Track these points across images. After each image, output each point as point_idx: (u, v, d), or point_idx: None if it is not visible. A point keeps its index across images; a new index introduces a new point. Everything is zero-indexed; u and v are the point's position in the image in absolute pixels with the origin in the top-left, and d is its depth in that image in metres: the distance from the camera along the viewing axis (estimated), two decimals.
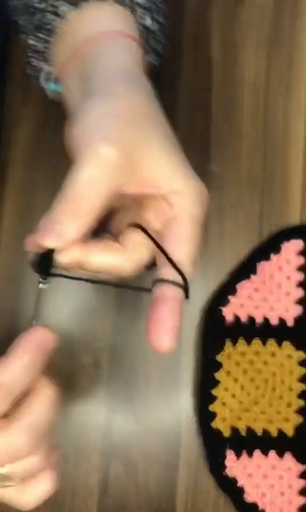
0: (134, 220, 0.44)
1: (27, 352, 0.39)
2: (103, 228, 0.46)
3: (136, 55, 0.49)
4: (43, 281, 0.42)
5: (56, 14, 0.50)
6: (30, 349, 0.39)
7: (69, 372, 0.62)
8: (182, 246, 0.42)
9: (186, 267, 0.42)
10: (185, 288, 0.41)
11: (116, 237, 0.45)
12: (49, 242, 0.40)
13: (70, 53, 0.50)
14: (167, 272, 0.42)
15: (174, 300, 0.41)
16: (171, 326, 0.40)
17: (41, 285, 0.42)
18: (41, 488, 0.42)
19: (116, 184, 0.41)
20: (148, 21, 0.52)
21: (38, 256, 0.41)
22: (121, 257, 0.42)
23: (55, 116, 0.64)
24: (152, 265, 0.43)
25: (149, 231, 0.43)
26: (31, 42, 0.53)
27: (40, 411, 0.40)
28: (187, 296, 0.42)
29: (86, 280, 0.43)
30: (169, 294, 0.41)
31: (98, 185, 0.40)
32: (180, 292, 0.41)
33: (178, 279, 0.41)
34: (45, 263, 0.41)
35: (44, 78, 0.55)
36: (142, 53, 0.51)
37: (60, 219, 0.40)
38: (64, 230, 0.40)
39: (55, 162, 0.64)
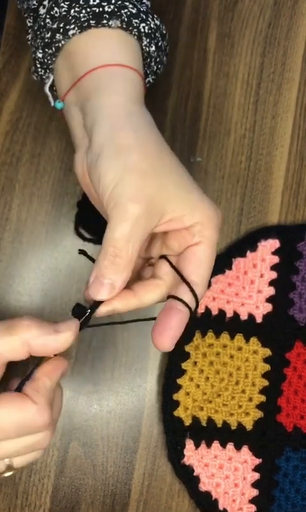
0: (160, 247, 0.51)
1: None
2: None
3: (138, 87, 0.51)
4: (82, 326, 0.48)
5: (65, 35, 0.51)
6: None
7: None
8: (201, 269, 0.48)
9: (201, 289, 0.48)
10: (196, 307, 0.48)
11: (144, 259, 0.52)
12: (102, 296, 0.46)
13: (71, 79, 0.52)
14: (184, 291, 0.48)
15: (183, 314, 0.48)
16: (174, 334, 0.47)
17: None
18: (31, 456, 0.48)
19: (147, 231, 0.46)
20: (152, 49, 0.54)
21: (82, 308, 0.47)
22: (164, 290, 0.49)
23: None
24: None
25: (171, 258, 0.50)
26: (39, 55, 0.54)
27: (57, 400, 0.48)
28: (194, 314, 0.49)
29: (109, 324, 0.52)
30: (180, 307, 0.48)
31: (132, 239, 0.45)
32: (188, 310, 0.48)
33: (190, 297, 0.48)
34: (87, 313, 0.47)
35: (49, 86, 0.56)
36: (143, 83, 0.52)
37: (106, 273, 0.46)
38: (113, 283, 0.46)
39: (40, 136, 0.63)
